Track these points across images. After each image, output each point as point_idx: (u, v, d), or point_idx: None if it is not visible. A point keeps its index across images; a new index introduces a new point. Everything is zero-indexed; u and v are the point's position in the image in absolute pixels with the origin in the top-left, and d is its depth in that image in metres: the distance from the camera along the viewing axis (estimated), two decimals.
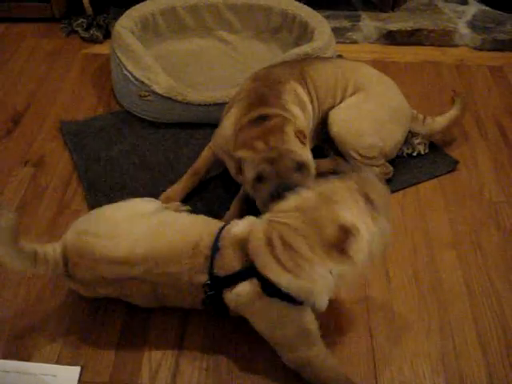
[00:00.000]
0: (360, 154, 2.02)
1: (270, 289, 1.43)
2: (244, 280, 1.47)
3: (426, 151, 2.21)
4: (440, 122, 2.21)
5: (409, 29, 2.90)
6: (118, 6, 2.90)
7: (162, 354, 1.62)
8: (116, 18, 2.56)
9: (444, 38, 2.91)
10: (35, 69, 2.73)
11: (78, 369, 1.56)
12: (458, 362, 1.61)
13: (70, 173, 2.17)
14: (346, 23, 2.93)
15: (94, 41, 2.89)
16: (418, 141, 2.19)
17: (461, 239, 1.94)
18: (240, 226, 1.54)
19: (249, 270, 1.45)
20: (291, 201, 1.49)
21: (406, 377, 1.58)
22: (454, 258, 1.88)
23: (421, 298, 1.77)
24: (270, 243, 1.42)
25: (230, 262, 1.49)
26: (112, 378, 1.57)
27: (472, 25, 2.92)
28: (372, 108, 2.04)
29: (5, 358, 1.59)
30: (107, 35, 2.87)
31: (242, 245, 1.48)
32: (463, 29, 2.90)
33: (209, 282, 1.51)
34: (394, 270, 1.84)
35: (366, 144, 2.01)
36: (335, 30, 2.72)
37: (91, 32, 2.88)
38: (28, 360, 1.59)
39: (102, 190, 2.07)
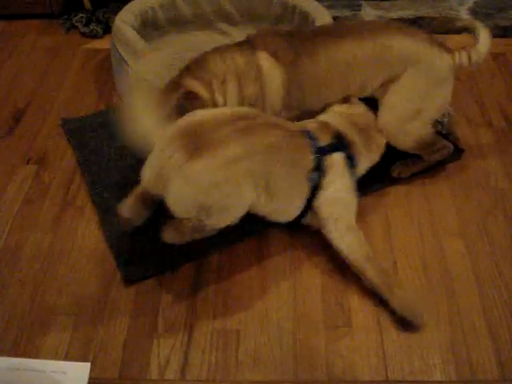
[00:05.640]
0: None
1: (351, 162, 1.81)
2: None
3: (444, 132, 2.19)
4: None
5: (410, 16, 2.88)
6: (117, 0, 2.88)
7: (171, 349, 1.62)
8: (115, 13, 2.53)
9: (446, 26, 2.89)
10: (35, 65, 2.72)
11: (87, 365, 1.55)
12: (467, 352, 1.61)
13: (73, 169, 2.16)
14: (346, 12, 2.90)
15: (93, 36, 2.87)
16: None
17: (468, 228, 1.93)
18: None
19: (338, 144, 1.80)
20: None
21: (415, 367, 1.58)
22: (462, 246, 1.87)
23: (429, 288, 1.76)
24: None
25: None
26: (121, 374, 1.57)
27: (474, 11, 2.90)
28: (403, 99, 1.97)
29: (13, 355, 1.59)
30: (107, 30, 2.85)
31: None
32: (465, 15, 2.88)
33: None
34: (401, 260, 1.84)
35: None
36: (336, 20, 2.69)
37: (91, 27, 2.86)
38: (36, 357, 1.59)
39: (105, 186, 2.06)
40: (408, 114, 1.95)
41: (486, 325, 1.67)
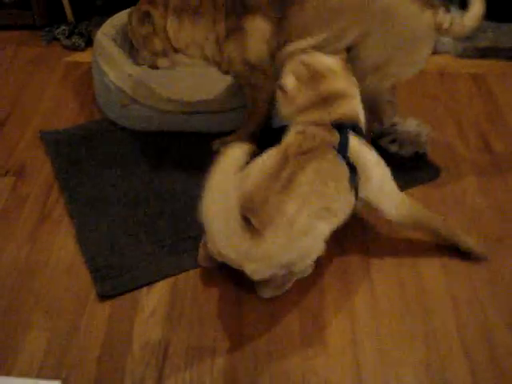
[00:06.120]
0: None
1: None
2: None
3: (396, 150, 2.23)
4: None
5: None
6: (100, 14, 2.88)
7: (145, 366, 1.61)
8: (98, 26, 2.54)
9: None
10: (16, 77, 2.71)
11: (58, 383, 1.54)
12: (442, 371, 1.61)
13: (52, 182, 2.14)
14: None
15: (75, 49, 2.86)
16: (389, 139, 2.22)
17: (445, 246, 1.94)
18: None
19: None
20: None
21: None
22: (438, 264, 1.88)
23: (405, 307, 1.77)
24: None
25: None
26: None
27: None
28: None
29: None
30: (89, 43, 2.85)
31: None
32: (445, 38, 2.91)
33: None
34: (378, 279, 1.84)
35: None
36: None
37: (73, 40, 2.86)
38: (9, 374, 1.57)
39: (83, 200, 2.05)
40: (369, 68, 1.94)
41: (461, 345, 1.67)
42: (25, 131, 2.39)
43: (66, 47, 2.89)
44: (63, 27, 2.91)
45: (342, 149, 1.69)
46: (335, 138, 1.70)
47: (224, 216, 1.43)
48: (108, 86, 2.28)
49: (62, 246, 1.92)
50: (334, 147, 1.68)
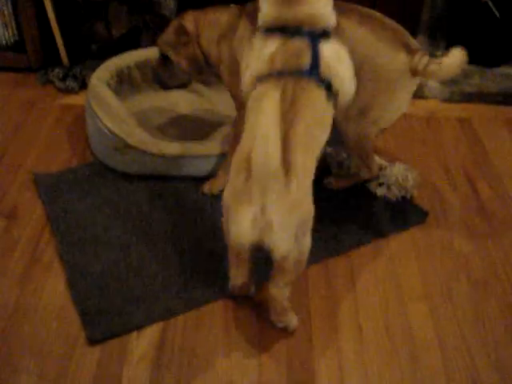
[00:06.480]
0: None
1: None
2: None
3: (384, 193, 2.28)
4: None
5: None
6: (95, 57, 2.93)
7: None
8: (92, 70, 2.59)
9: None
10: (9, 118, 2.74)
11: None
12: None
13: (43, 225, 2.16)
14: None
15: (69, 91, 2.90)
16: (376, 182, 2.28)
17: (432, 291, 1.96)
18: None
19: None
20: None
21: None
22: (425, 309, 1.90)
23: (393, 351, 1.78)
24: None
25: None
26: None
27: None
28: None
29: None
30: (83, 86, 2.89)
31: None
32: (432, 81, 2.97)
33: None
34: (365, 323, 1.85)
35: None
36: None
37: (67, 83, 2.90)
38: None
39: (75, 243, 2.06)
40: (353, 113, 1.96)
41: None
42: (17, 173, 2.41)
43: (60, 90, 2.92)
44: (58, 70, 2.95)
45: (314, 69, 1.61)
46: (305, 59, 1.62)
47: (270, 151, 1.41)
48: (101, 130, 2.31)
49: (53, 288, 1.93)
50: (306, 72, 1.60)
